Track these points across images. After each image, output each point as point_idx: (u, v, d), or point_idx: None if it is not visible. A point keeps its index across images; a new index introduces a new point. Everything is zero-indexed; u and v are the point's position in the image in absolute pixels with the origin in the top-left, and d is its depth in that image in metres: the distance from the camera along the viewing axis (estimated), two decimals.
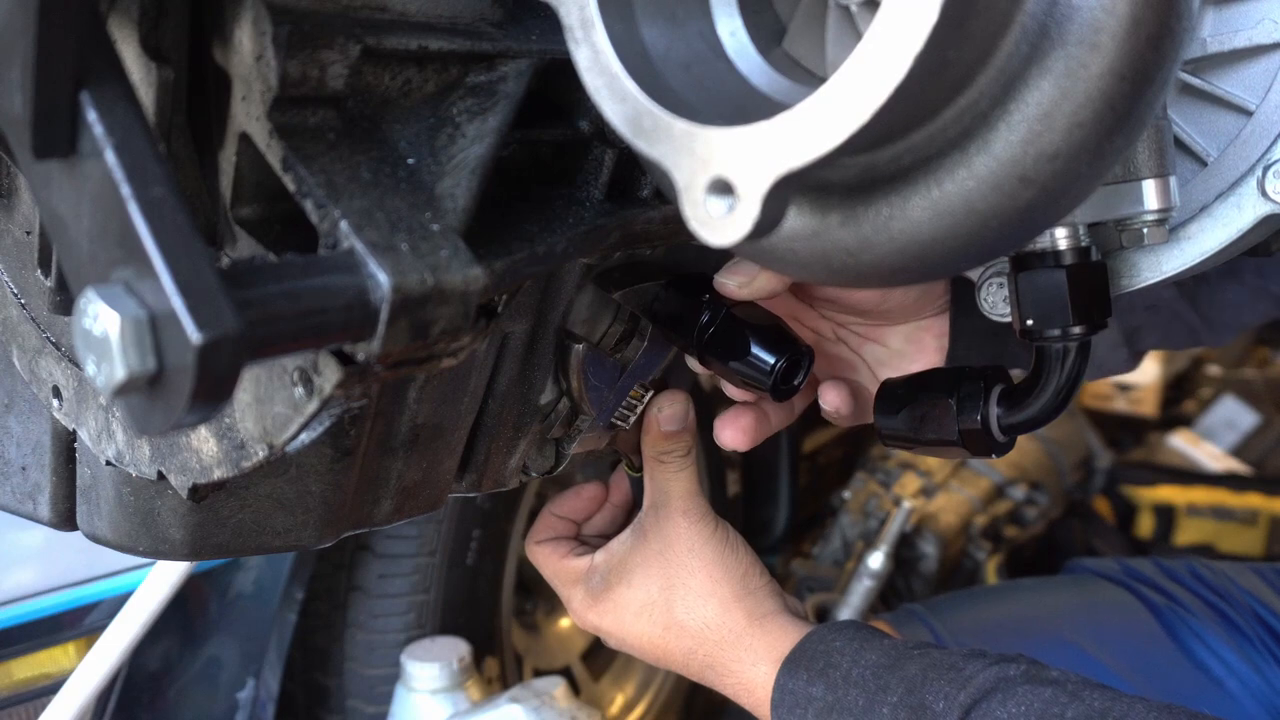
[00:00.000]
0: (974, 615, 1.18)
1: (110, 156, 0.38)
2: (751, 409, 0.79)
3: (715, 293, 0.73)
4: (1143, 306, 0.99)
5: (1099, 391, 3.20)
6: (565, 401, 0.75)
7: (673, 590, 0.84)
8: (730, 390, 0.80)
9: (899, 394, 0.72)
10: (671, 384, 0.84)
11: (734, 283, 0.72)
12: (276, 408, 0.47)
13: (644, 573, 0.85)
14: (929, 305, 0.80)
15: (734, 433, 0.79)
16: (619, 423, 0.81)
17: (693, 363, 0.78)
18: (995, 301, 0.67)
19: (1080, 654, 1.08)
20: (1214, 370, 3.40)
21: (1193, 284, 0.99)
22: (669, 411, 0.82)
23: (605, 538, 0.90)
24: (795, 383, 0.75)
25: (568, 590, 0.89)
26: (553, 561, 0.90)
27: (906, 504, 2.18)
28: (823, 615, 2.06)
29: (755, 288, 0.72)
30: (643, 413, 0.82)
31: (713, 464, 2.09)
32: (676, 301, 0.75)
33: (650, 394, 0.82)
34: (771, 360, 0.73)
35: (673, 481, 0.83)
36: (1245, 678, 1.08)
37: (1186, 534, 2.69)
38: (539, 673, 1.85)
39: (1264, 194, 0.61)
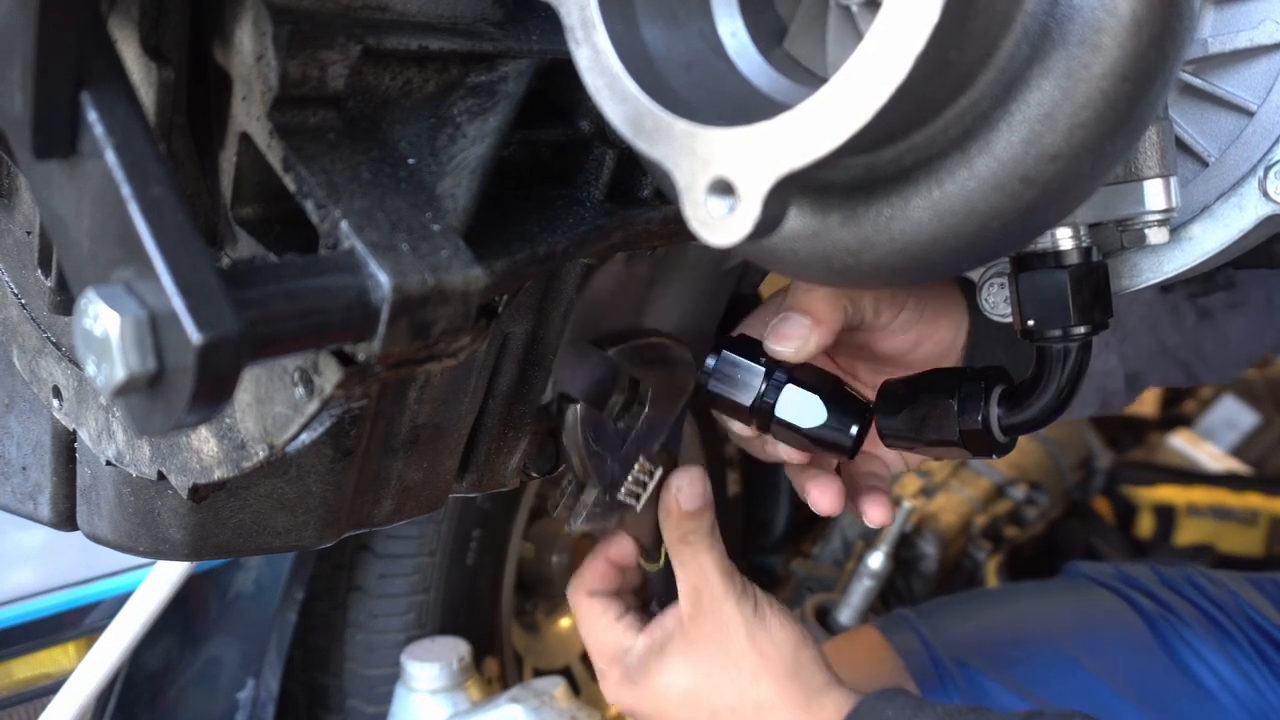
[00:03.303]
0: (967, 622, 1.16)
1: (110, 156, 0.38)
2: (833, 475, 0.78)
3: (768, 356, 0.72)
4: (1149, 352, 0.97)
5: None
6: (570, 476, 0.73)
7: (721, 673, 0.80)
8: (786, 452, 0.78)
9: (900, 394, 0.72)
10: (677, 453, 0.81)
11: (790, 349, 0.71)
12: (277, 408, 0.47)
13: (687, 659, 0.81)
14: (952, 360, 0.80)
15: (832, 499, 0.77)
16: (628, 500, 0.78)
17: (740, 427, 0.76)
18: (996, 302, 0.67)
19: (1074, 666, 1.08)
20: None
21: (1198, 322, 0.96)
22: (688, 491, 0.78)
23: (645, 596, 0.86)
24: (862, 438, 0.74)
25: (603, 664, 0.84)
26: (600, 622, 0.84)
27: (906, 504, 2.18)
28: (823, 615, 2.06)
29: (808, 351, 0.71)
30: (653, 493, 0.79)
31: (713, 464, 2.09)
32: (731, 372, 0.73)
33: (659, 471, 0.78)
34: (855, 429, 0.72)
35: (705, 560, 0.79)
36: (1238, 690, 1.07)
37: (1186, 534, 2.68)
38: (539, 673, 1.85)
39: (1265, 194, 0.61)
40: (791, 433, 0.73)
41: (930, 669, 1.09)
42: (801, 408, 0.72)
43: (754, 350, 0.74)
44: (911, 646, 1.11)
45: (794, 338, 0.71)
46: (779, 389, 0.72)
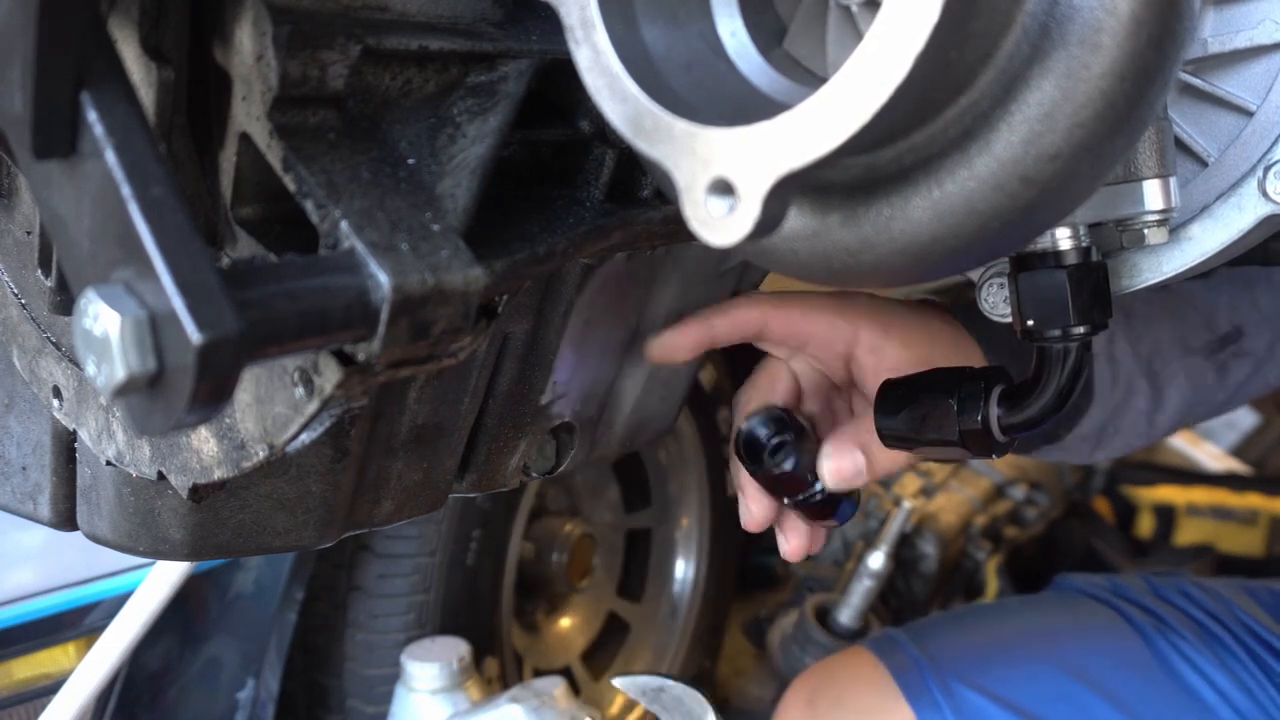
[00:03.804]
0: (958, 640, 1.15)
1: (110, 156, 0.38)
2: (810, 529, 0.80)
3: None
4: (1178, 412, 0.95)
5: None
6: None
7: None
8: (758, 508, 0.80)
9: (899, 394, 0.72)
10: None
11: (843, 485, 0.74)
12: (277, 408, 0.47)
13: None
14: None
15: (800, 544, 0.79)
16: None
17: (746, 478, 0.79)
18: (995, 302, 0.67)
19: (1069, 682, 1.07)
20: None
21: (1216, 380, 0.94)
22: None
23: None
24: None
25: None
26: None
27: (906, 504, 2.18)
28: (823, 615, 2.06)
29: (853, 482, 0.74)
30: None
31: (712, 464, 2.09)
32: (787, 451, 0.76)
33: None
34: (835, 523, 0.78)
35: None
36: (1237, 703, 1.06)
37: (1186, 534, 2.69)
38: (539, 673, 1.85)
39: (1265, 194, 0.61)
40: (789, 501, 0.77)
41: (923, 688, 1.08)
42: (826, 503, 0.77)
43: (782, 424, 0.77)
44: (903, 666, 1.11)
45: (847, 474, 0.74)
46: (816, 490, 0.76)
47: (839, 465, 0.73)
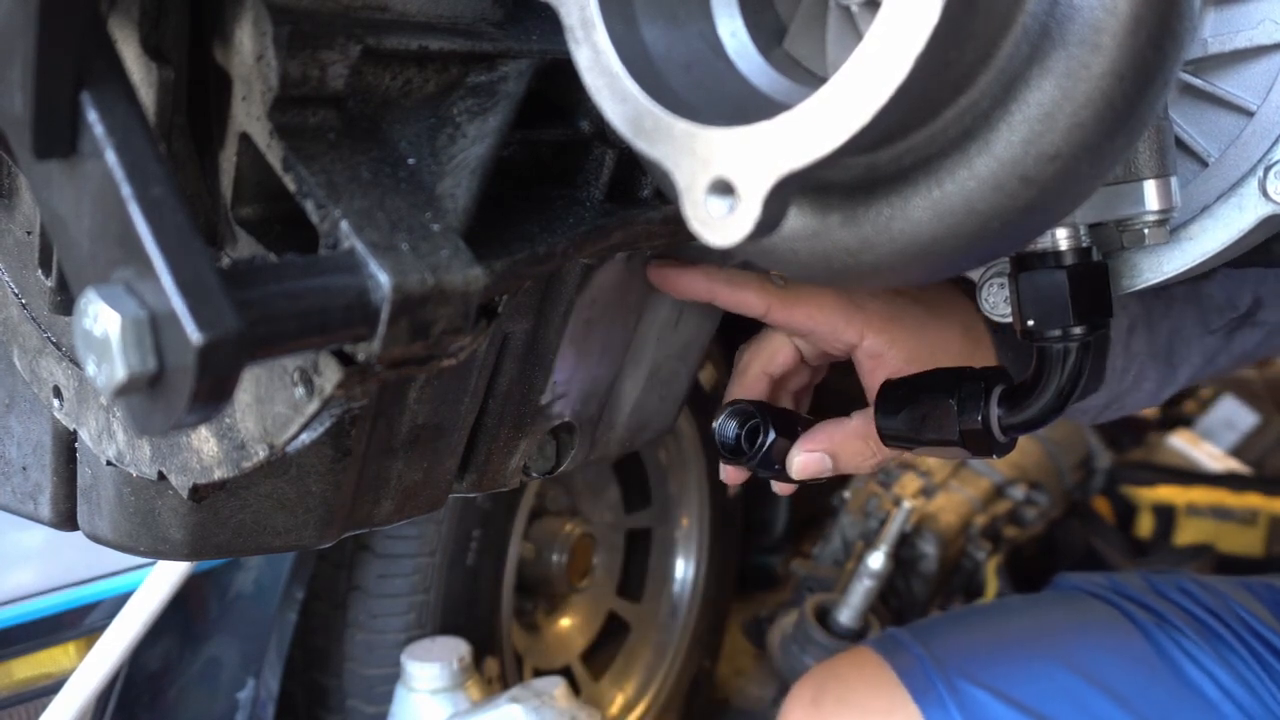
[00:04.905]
0: (961, 639, 1.15)
1: (110, 156, 0.38)
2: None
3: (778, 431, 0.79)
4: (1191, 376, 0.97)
5: None
6: None
7: None
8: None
9: (900, 394, 0.72)
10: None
11: (800, 476, 0.78)
12: (277, 408, 0.47)
13: None
14: None
15: (784, 486, 0.83)
16: None
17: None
18: (996, 302, 0.67)
19: (1073, 680, 1.07)
20: None
21: (1224, 344, 0.96)
22: None
23: None
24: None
25: None
26: None
27: (906, 504, 2.18)
28: (823, 615, 2.06)
29: (818, 477, 0.79)
30: None
31: (712, 464, 2.09)
32: (757, 447, 0.79)
33: None
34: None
35: None
36: (1239, 699, 1.06)
37: (1186, 534, 2.69)
38: (539, 673, 1.85)
39: (1265, 194, 0.61)
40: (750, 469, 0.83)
41: (929, 686, 1.08)
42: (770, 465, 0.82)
43: (750, 416, 0.80)
44: (908, 664, 1.11)
45: (811, 470, 0.78)
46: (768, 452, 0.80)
47: (805, 462, 0.78)
